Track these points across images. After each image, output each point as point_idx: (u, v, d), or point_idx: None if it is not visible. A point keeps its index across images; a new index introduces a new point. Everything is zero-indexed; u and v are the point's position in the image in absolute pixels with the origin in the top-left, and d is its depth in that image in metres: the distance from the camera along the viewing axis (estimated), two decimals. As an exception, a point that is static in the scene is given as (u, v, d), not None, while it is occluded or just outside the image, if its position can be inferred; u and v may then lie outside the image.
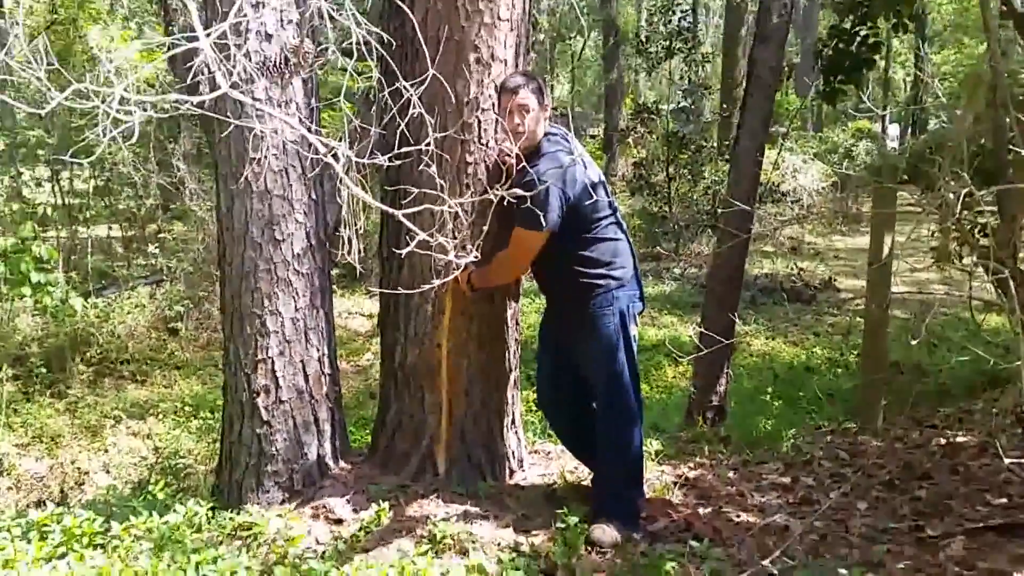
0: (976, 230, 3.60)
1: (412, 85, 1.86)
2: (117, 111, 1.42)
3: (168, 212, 9.14)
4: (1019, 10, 4.07)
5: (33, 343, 6.60)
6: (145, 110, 1.39)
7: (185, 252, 8.00)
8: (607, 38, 19.03)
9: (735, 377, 6.31)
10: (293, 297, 3.16)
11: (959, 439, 3.97)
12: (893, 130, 21.88)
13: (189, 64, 1.97)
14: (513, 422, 3.59)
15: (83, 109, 1.70)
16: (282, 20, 3.03)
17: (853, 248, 12.82)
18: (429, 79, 2.72)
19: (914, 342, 2.91)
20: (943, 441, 3.96)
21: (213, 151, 3.27)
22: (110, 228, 9.49)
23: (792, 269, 10.82)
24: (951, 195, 2.80)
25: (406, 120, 2.58)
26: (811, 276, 10.59)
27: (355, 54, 2.12)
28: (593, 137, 20.84)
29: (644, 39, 13.43)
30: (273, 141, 2.97)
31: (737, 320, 5.16)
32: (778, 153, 13.30)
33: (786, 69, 18.52)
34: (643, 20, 20.33)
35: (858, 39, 5.62)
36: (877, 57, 6.00)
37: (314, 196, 3.21)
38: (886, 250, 4.01)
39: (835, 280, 10.47)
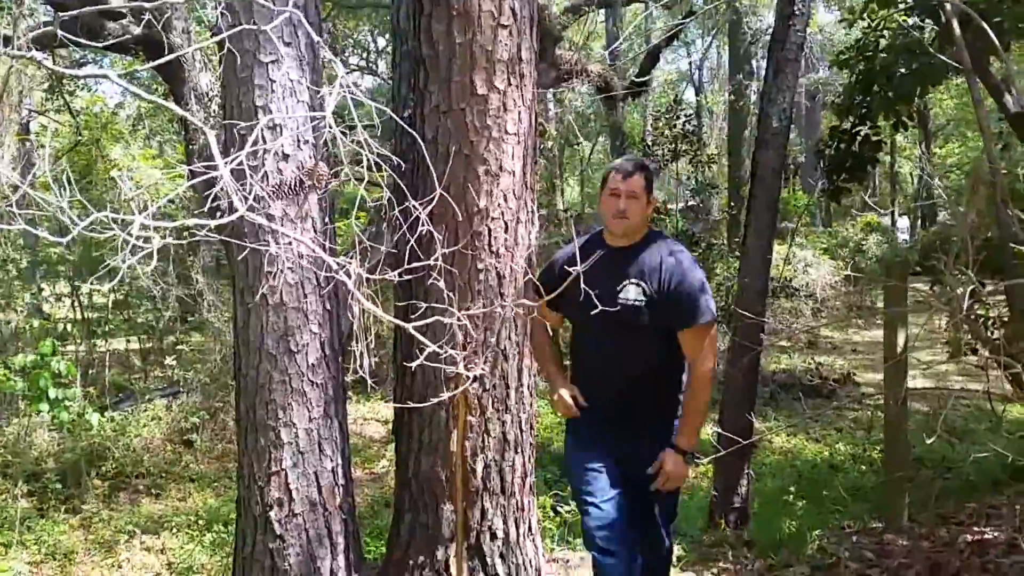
0: (988, 323, 3.60)
1: (421, 203, 1.94)
2: (137, 238, 1.48)
3: (186, 323, 9.26)
4: (1012, 110, 4.18)
5: (49, 458, 6.59)
6: (164, 237, 1.45)
7: (202, 363, 8.06)
8: (614, 142, 19.50)
9: (758, 477, 6.19)
10: (307, 408, 3.18)
11: (987, 536, 3.86)
12: (903, 223, 22.09)
13: (208, 190, 2.04)
14: (530, 529, 3.53)
15: (104, 230, 1.75)
16: (299, 141, 3.16)
17: (871, 341, 12.74)
18: (441, 191, 2.81)
19: (929, 440, 2.88)
20: (971, 538, 3.86)
21: (231, 264, 3.35)
22: (128, 341, 9.58)
23: (810, 364, 10.74)
24: (959, 290, 2.82)
25: (415, 236, 2.64)
26: (830, 371, 10.50)
27: (370, 169, 2.20)
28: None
29: (650, 143, 13.76)
30: (289, 255, 3.05)
31: (756, 418, 5.10)
32: (788, 248, 13.42)
33: (792, 167, 18.87)
34: (648, 124, 20.87)
35: (859, 139, 5.77)
36: (879, 155, 6.15)
37: (328, 306, 3.27)
38: (900, 346, 4.01)
39: (854, 374, 10.37)
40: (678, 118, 13.66)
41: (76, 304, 9.04)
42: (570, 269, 2.81)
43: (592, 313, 2.82)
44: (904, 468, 4.33)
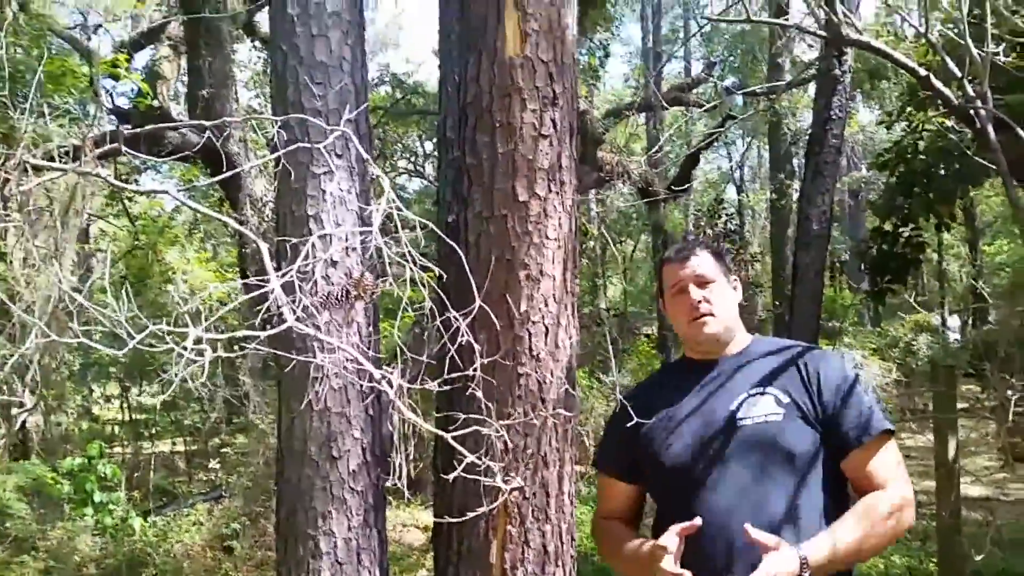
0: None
1: (461, 313, 1.98)
2: (190, 351, 1.53)
3: (231, 425, 9.34)
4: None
5: (91, 563, 6.59)
6: (216, 350, 1.50)
7: (245, 466, 8.09)
8: (656, 241, 19.65)
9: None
10: (347, 516, 3.16)
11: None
12: (953, 322, 21.61)
13: (259, 297, 2.10)
14: (573, 645, 3.41)
15: (156, 331, 1.79)
16: (347, 248, 3.25)
17: (924, 447, 12.32)
18: (482, 296, 2.86)
19: (979, 557, 2.76)
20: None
21: (278, 369, 3.40)
22: (174, 443, 9.69)
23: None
24: (1007, 394, 2.76)
25: (456, 345, 2.66)
26: (883, 476, 10.14)
27: (414, 282, 2.26)
28: (647, 336, 21.01)
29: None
30: (334, 361, 3.09)
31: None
32: (835, 349, 13.21)
33: (837, 265, 18.69)
34: (691, 224, 21.05)
35: (902, 240, 5.75)
36: (923, 256, 6.12)
37: (371, 412, 3.29)
38: (951, 453, 3.89)
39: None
40: (720, 217, 13.83)
41: (125, 405, 9.20)
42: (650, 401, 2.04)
43: (698, 456, 1.96)
44: (964, 582, 4.14)
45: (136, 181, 9.88)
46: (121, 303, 1.90)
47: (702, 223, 13.91)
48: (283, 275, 1.68)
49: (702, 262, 2.17)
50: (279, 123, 2.77)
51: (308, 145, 2.77)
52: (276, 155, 2.44)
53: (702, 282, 2.14)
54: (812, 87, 10.92)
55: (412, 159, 19.81)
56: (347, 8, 3.37)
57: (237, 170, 3.44)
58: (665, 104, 11.94)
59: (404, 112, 15.90)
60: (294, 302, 1.76)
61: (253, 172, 8.60)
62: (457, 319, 1.84)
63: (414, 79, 17.09)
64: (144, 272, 8.96)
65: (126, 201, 10.39)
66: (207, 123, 2.18)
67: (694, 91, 14.03)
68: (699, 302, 2.10)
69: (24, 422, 8.00)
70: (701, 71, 15.98)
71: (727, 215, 14.34)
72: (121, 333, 1.60)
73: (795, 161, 20.66)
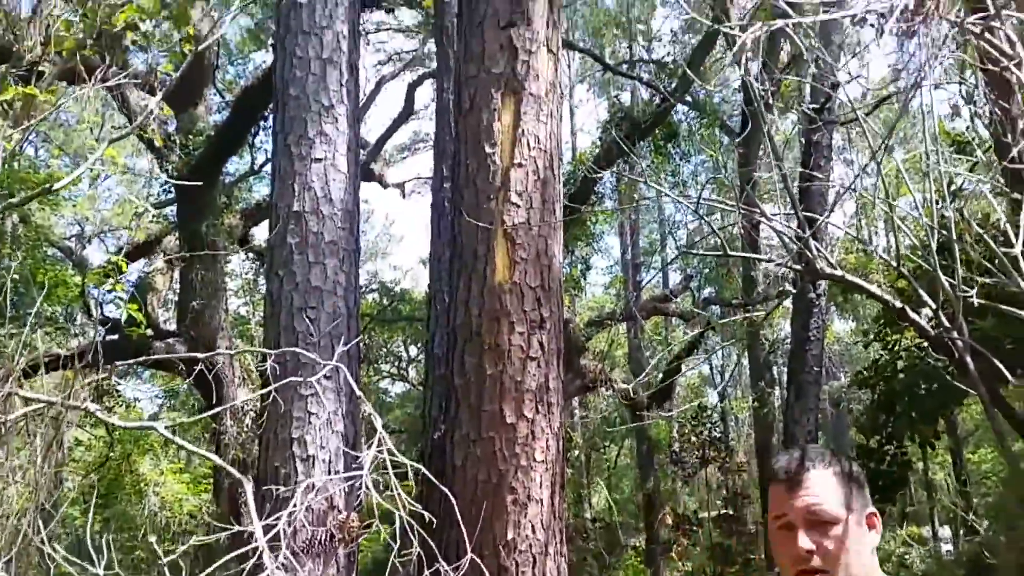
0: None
1: (453, 568, 1.92)
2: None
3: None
4: (1021, 418, 4.20)
5: None
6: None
7: None
8: (640, 446, 19.39)
9: None
10: None
11: None
12: (945, 532, 21.06)
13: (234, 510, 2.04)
14: None
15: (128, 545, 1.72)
16: (330, 470, 3.19)
17: (931, 671, 11.65)
18: (467, 523, 2.79)
19: None
20: None
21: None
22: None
23: None
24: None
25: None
26: None
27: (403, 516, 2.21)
28: (634, 548, 20.19)
29: (678, 450, 13.72)
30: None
31: None
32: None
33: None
34: (675, 431, 20.90)
35: (887, 458, 5.73)
36: (909, 471, 6.07)
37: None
38: None
39: None
40: (704, 424, 13.77)
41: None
42: None
43: None
44: None
45: (116, 390, 9.85)
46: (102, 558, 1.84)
47: (686, 430, 13.82)
48: (266, 518, 1.64)
49: (821, 491, 1.55)
50: (272, 358, 2.80)
51: (299, 379, 2.80)
52: (268, 389, 2.45)
53: (817, 521, 1.54)
54: (788, 301, 11.26)
55: (396, 363, 19.91)
56: (344, 236, 3.53)
57: (226, 406, 3.43)
58: (644, 317, 12.30)
59: (391, 319, 16.19)
60: (274, 550, 1.70)
61: (236, 381, 8.59)
62: (449, 573, 1.78)
63: (401, 286, 17.56)
64: (116, 483, 8.69)
65: (104, 412, 10.24)
66: (200, 355, 2.21)
67: (672, 302, 14.44)
68: (809, 552, 1.51)
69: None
70: (678, 283, 16.56)
71: (711, 422, 14.28)
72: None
73: (775, 369, 20.86)
